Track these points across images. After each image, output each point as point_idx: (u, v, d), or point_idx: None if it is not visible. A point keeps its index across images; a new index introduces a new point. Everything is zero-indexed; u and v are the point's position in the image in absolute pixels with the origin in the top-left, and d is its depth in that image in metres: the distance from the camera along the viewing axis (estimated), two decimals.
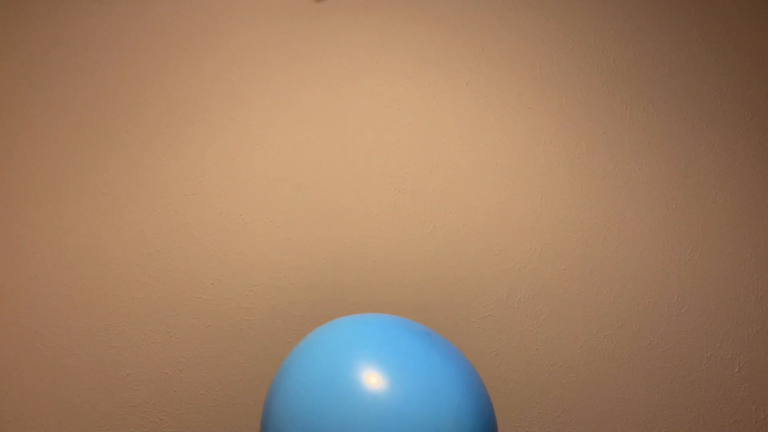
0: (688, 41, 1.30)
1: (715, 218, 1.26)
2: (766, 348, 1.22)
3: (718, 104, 1.28)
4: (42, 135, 1.31)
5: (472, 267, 1.26)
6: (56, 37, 1.33)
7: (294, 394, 0.84)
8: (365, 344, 0.87)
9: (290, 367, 0.89)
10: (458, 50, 1.31)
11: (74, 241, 1.27)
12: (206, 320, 1.25)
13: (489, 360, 1.24)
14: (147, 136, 1.30)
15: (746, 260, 1.24)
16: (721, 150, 1.27)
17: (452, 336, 1.25)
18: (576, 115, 1.29)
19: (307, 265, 1.26)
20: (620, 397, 1.23)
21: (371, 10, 1.33)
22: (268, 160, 1.29)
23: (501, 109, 1.30)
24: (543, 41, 1.31)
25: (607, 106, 1.29)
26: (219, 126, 1.30)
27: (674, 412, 1.22)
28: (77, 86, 1.32)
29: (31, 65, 1.32)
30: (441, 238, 1.27)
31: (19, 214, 1.28)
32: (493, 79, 1.30)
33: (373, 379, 0.81)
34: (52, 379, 1.24)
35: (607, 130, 1.29)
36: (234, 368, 1.24)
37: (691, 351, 1.23)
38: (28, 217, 1.28)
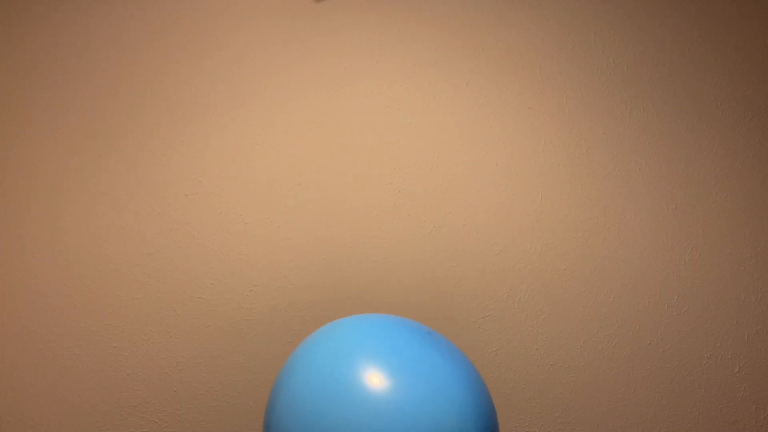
0: (688, 41, 1.30)
1: (715, 218, 1.26)
2: (766, 348, 1.22)
3: (718, 104, 1.28)
4: (42, 135, 1.30)
5: (472, 267, 1.26)
6: (56, 37, 1.33)
7: (297, 395, 0.84)
8: (367, 344, 0.87)
9: (293, 368, 0.89)
10: (458, 50, 1.31)
11: (74, 241, 1.27)
12: (206, 320, 1.25)
13: (489, 360, 1.24)
14: (147, 136, 1.30)
15: (746, 260, 1.24)
16: (721, 150, 1.27)
17: (452, 336, 1.25)
18: (576, 115, 1.29)
19: (307, 265, 1.26)
20: (620, 397, 1.23)
21: (371, 10, 1.33)
22: (268, 160, 1.29)
23: (501, 109, 1.30)
24: (543, 41, 1.31)
25: (607, 106, 1.29)
26: (219, 126, 1.30)
27: (674, 412, 1.22)
28: (77, 86, 1.32)
29: (31, 65, 1.32)
30: (441, 238, 1.27)
31: (19, 214, 1.28)
32: (493, 79, 1.30)
33: (375, 379, 0.81)
34: (52, 379, 1.24)
35: (607, 130, 1.29)
36: (234, 368, 1.24)
37: (691, 351, 1.23)
38: (28, 217, 1.28)
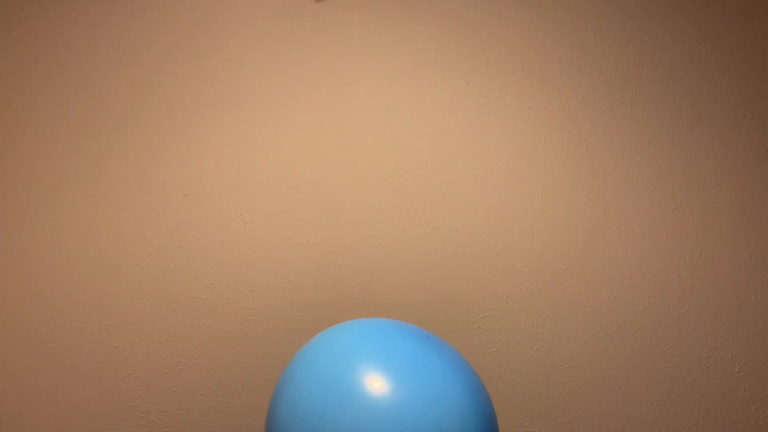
0: (688, 41, 1.30)
1: (715, 218, 1.26)
2: (766, 348, 1.22)
3: (718, 104, 1.28)
4: (42, 135, 1.30)
5: (472, 267, 1.26)
6: (56, 37, 1.33)
7: (298, 400, 0.84)
8: (367, 349, 0.87)
9: (293, 373, 0.90)
10: (458, 50, 1.31)
11: (74, 241, 1.27)
12: (206, 320, 1.25)
13: (489, 360, 1.24)
14: (147, 136, 1.30)
15: (746, 260, 1.24)
16: (721, 150, 1.27)
17: (452, 336, 1.25)
18: (576, 115, 1.29)
19: (307, 265, 1.26)
20: (620, 397, 1.23)
21: (371, 10, 1.33)
22: (268, 160, 1.29)
23: (501, 109, 1.30)
24: (543, 41, 1.31)
25: (607, 106, 1.29)
26: (219, 126, 1.30)
27: (674, 412, 1.22)
28: (77, 86, 1.32)
29: (32, 65, 1.32)
30: (441, 238, 1.27)
31: (19, 214, 1.28)
32: (493, 79, 1.30)
33: (376, 383, 0.81)
34: (52, 379, 1.24)
35: (607, 130, 1.29)
36: (234, 368, 1.24)
37: (691, 351, 1.23)
38: (28, 217, 1.28)
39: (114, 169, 1.29)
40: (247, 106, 1.30)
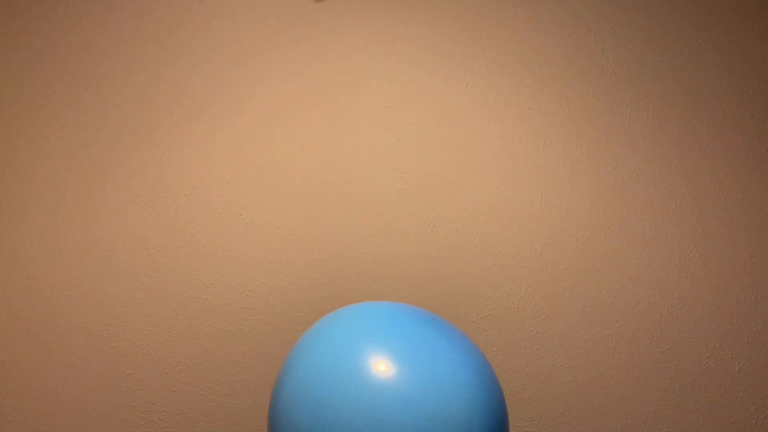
0: (688, 41, 1.30)
1: (715, 218, 1.26)
2: (766, 348, 1.22)
3: (718, 104, 1.28)
4: (42, 135, 1.30)
5: (472, 267, 1.26)
6: (57, 37, 1.33)
7: (302, 381, 0.83)
8: (372, 331, 0.86)
9: (299, 354, 0.88)
10: (458, 50, 1.31)
11: (74, 241, 1.27)
12: (206, 320, 1.25)
13: (489, 360, 1.24)
14: (147, 136, 1.30)
15: (746, 260, 1.24)
16: (721, 150, 1.27)
17: None
18: (576, 115, 1.29)
19: (307, 265, 1.26)
20: (620, 397, 1.23)
21: (371, 10, 1.33)
22: (268, 160, 1.29)
23: (501, 109, 1.30)
24: (543, 41, 1.31)
25: (607, 106, 1.29)
26: (219, 126, 1.30)
27: (674, 412, 1.22)
28: (78, 87, 1.32)
29: (32, 65, 1.32)
30: (441, 238, 1.27)
31: (19, 214, 1.28)
32: (493, 79, 1.30)
33: (381, 366, 0.80)
34: (52, 379, 1.24)
35: (607, 130, 1.29)
36: (234, 368, 1.24)
37: (691, 351, 1.23)
38: (28, 217, 1.28)
39: (114, 169, 1.29)
40: (247, 105, 1.30)
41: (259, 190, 1.28)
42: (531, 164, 1.28)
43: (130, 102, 1.31)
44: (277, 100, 1.31)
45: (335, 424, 0.77)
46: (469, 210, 1.27)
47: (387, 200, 1.28)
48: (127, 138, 1.30)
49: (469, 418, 0.79)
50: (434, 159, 1.29)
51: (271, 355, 1.24)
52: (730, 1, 1.31)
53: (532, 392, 1.23)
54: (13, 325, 1.25)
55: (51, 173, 1.29)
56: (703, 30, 1.30)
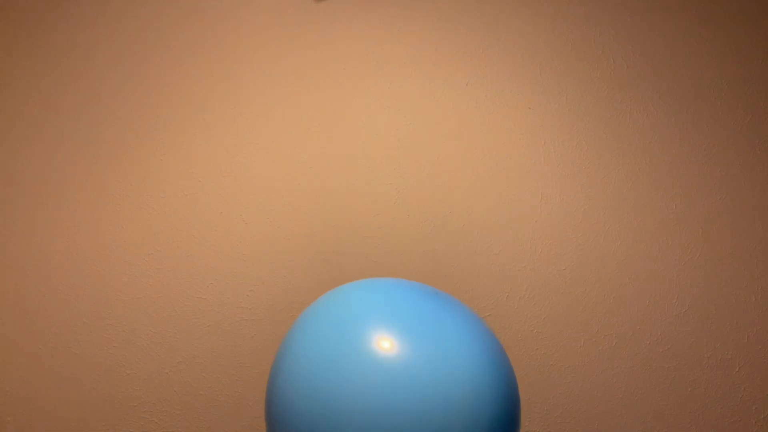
0: (688, 41, 1.30)
1: (715, 218, 1.26)
2: (766, 348, 1.22)
3: (719, 104, 1.28)
4: (42, 136, 1.31)
5: (472, 267, 1.26)
6: (58, 38, 1.33)
7: (302, 359, 0.80)
8: (376, 306, 0.82)
9: (299, 331, 0.85)
10: (458, 50, 1.31)
11: (74, 241, 1.27)
12: (206, 320, 1.25)
13: None
14: (147, 136, 1.30)
15: (746, 260, 1.24)
16: (720, 150, 1.27)
17: None
18: (576, 115, 1.29)
19: (307, 264, 1.26)
20: (620, 397, 1.23)
21: (371, 10, 1.33)
22: (269, 160, 1.29)
23: (501, 109, 1.30)
24: (543, 41, 1.31)
25: (607, 106, 1.29)
26: (219, 126, 1.30)
27: (674, 412, 1.22)
28: (78, 88, 1.32)
29: (33, 66, 1.32)
30: (441, 239, 1.27)
31: (20, 214, 1.28)
32: (493, 79, 1.30)
33: (385, 343, 0.76)
34: (51, 378, 1.24)
35: (607, 130, 1.29)
36: (234, 368, 1.24)
37: (691, 351, 1.23)
38: (28, 217, 1.28)
39: (114, 169, 1.29)
40: (247, 106, 1.30)
41: (259, 190, 1.28)
42: (531, 164, 1.28)
43: (130, 103, 1.31)
44: (277, 99, 1.31)
45: (335, 406, 0.73)
46: (468, 210, 1.27)
47: (387, 200, 1.28)
48: (127, 139, 1.30)
49: (479, 398, 0.75)
50: (434, 159, 1.29)
51: (271, 355, 1.24)
52: (730, 1, 1.31)
53: (532, 392, 1.23)
54: (13, 325, 1.25)
55: (51, 174, 1.29)
56: (703, 30, 1.30)
